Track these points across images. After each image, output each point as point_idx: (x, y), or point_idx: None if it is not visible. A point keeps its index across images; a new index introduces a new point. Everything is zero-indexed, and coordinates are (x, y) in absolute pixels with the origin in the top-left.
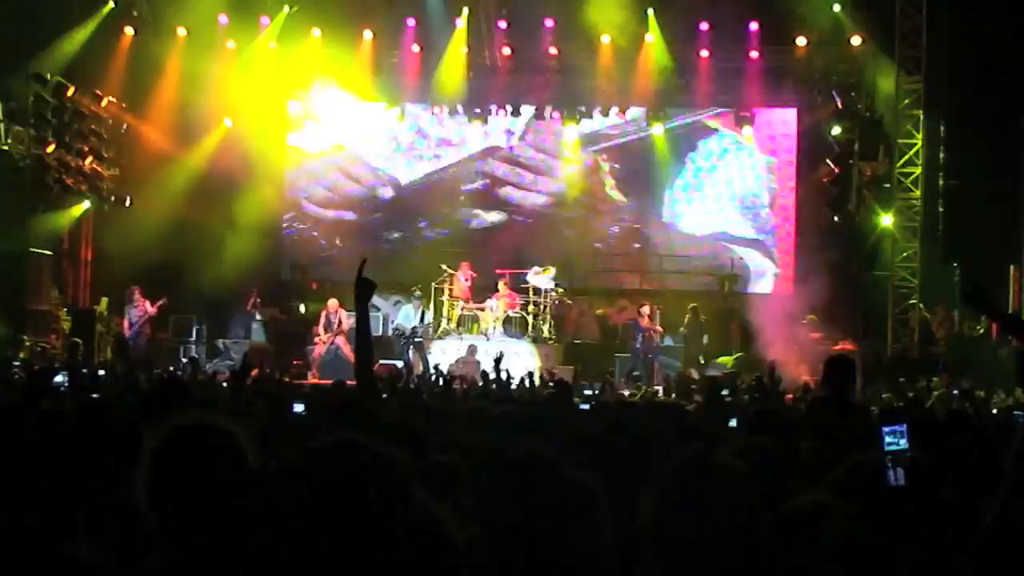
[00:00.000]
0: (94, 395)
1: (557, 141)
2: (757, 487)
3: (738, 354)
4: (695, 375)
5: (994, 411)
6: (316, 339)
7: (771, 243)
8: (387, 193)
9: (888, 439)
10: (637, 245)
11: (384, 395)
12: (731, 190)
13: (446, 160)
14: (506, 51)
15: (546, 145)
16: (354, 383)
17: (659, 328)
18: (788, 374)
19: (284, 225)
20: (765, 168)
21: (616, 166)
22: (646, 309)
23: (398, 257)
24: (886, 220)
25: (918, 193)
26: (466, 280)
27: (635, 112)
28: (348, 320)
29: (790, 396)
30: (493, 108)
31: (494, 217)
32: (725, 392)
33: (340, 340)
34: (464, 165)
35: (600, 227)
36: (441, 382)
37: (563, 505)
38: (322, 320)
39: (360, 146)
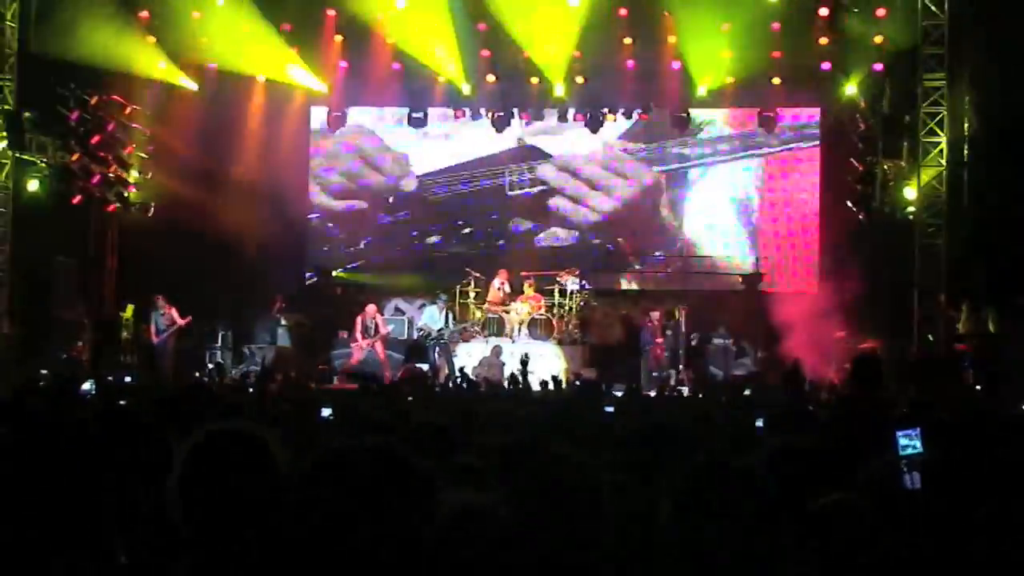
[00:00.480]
0: (121, 402)
1: (618, 155)
2: (775, 489)
3: (763, 354)
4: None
5: None
6: (353, 344)
7: (795, 243)
8: (410, 189)
9: (902, 442)
10: (679, 265)
11: (410, 398)
12: (752, 194)
13: (480, 163)
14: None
15: (603, 158)
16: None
17: (659, 339)
18: (816, 373)
19: (311, 225)
20: (788, 171)
21: (676, 188)
22: (656, 314)
23: (435, 259)
24: (911, 217)
25: (943, 190)
26: (499, 287)
27: (659, 114)
28: (386, 326)
29: (825, 397)
30: (515, 111)
31: (561, 234)
32: (748, 392)
33: (378, 344)
34: (510, 169)
35: (649, 249)
36: (466, 385)
37: (587, 505)
38: (359, 325)
39: (388, 144)
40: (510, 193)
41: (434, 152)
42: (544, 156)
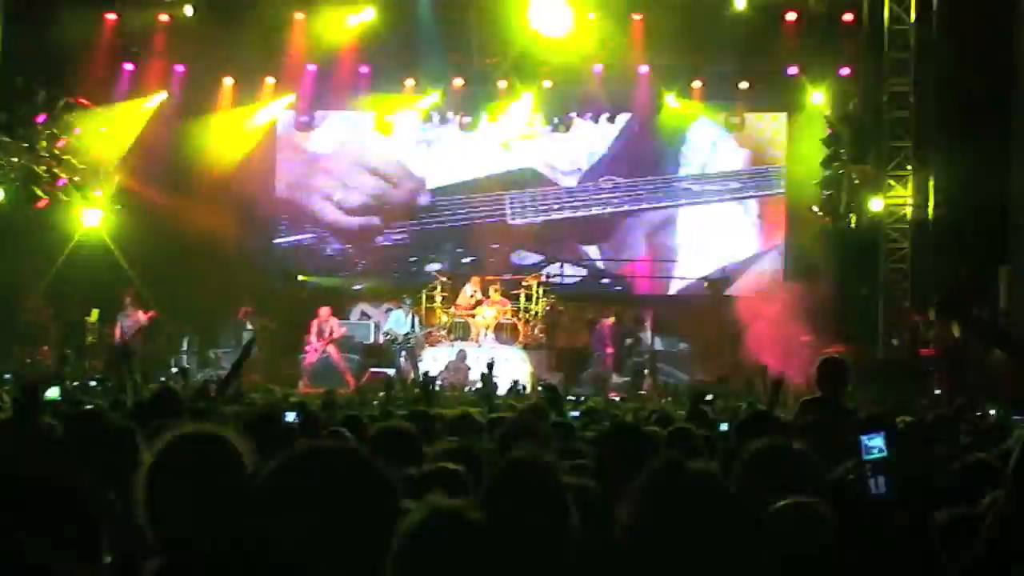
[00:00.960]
0: (88, 406)
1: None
2: (739, 493)
3: (728, 358)
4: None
5: (991, 412)
6: (307, 347)
7: (760, 248)
8: (420, 201)
9: (867, 446)
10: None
11: (375, 402)
12: (716, 195)
13: (480, 185)
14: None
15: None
16: (346, 392)
17: (609, 348)
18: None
19: (278, 231)
20: (753, 172)
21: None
22: (607, 321)
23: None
24: (877, 222)
25: (909, 195)
26: (472, 294)
27: (623, 118)
28: (340, 328)
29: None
30: (484, 117)
31: (567, 270)
32: (710, 397)
33: (331, 348)
34: (511, 195)
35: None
36: (431, 389)
37: (553, 508)
38: (313, 328)
39: (363, 153)
40: (512, 222)
41: (430, 170)
42: (545, 182)
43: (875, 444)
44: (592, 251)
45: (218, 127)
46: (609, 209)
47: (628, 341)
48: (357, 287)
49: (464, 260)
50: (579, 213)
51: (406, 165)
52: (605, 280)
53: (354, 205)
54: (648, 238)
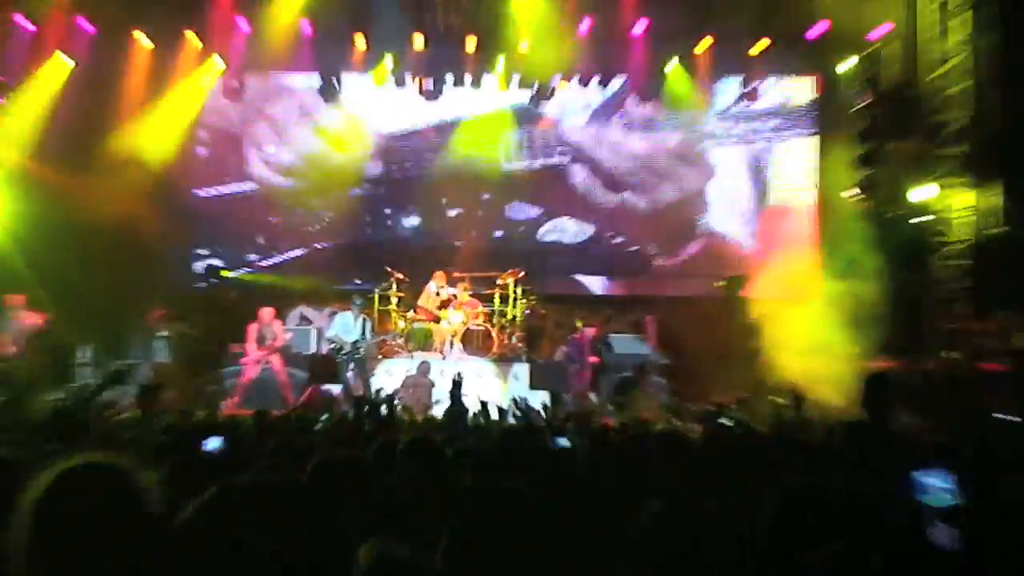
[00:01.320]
0: None
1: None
2: (767, 538)
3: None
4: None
5: None
6: (246, 357)
7: (785, 240)
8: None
9: (922, 484)
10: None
11: (316, 427)
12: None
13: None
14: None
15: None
16: (280, 412)
17: (592, 358)
18: (816, 397)
19: (250, 198)
20: (780, 150)
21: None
22: (590, 330)
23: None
24: (928, 209)
25: (966, 178)
26: (436, 293)
27: (619, 82)
28: (284, 334)
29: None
30: (450, 79)
31: (572, 226)
32: (725, 420)
33: (274, 358)
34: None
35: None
36: (384, 410)
37: (533, 549)
38: (252, 334)
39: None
40: (505, 168)
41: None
42: (544, 121)
43: (933, 482)
44: (596, 212)
45: (132, 94)
46: (617, 162)
47: (598, 347)
48: (290, 255)
49: (450, 213)
50: (583, 158)
51: (358, 121)
52: (617, 240)
53: (286, 163)
54: (656, 213)
